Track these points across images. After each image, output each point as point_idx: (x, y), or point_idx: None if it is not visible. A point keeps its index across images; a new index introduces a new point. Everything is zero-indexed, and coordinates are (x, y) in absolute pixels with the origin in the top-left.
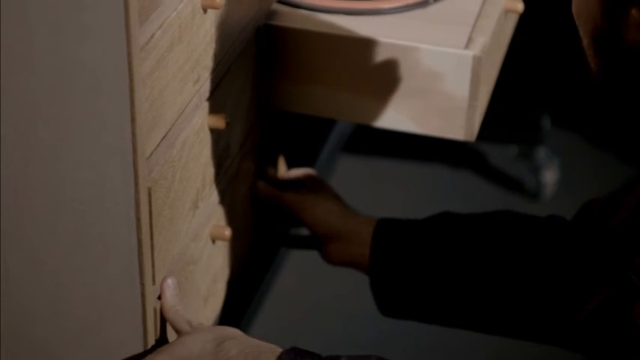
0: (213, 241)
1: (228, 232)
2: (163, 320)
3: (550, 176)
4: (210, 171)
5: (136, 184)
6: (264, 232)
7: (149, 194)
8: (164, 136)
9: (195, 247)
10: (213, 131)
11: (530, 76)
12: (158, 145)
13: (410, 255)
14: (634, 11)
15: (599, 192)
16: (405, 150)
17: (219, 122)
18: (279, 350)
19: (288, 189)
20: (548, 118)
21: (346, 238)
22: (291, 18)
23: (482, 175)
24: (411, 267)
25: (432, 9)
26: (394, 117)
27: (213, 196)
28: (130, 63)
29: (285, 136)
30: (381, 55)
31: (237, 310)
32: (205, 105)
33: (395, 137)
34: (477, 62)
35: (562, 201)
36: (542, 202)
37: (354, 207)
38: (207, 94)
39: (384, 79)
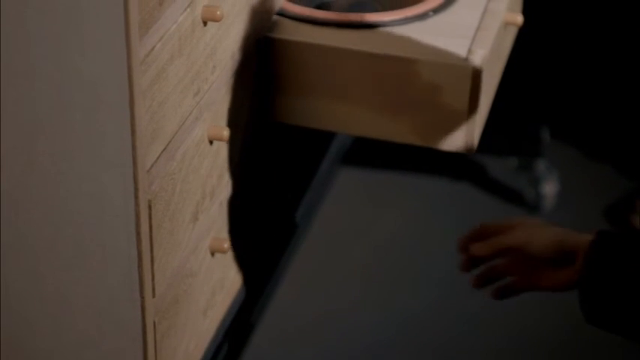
0: (212, 254)
1: (227, 244)
2: (162, 333)
3: (549, 189)
4: (210, 183)
5: (136, 196)
6: (263, 244)
7: (149, 207)
8: (164, 149)
9: (194, 259)
10: (213, 143)
11: (530, 89)
12: (158, 158)
13: (623, 267)
14: None
15: (598, 205)
16: (405, 162)
17: (220, 134)
18: None
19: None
20: (548, 130)
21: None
22: (291, 30)
23: (482, 187)
24: (623, 279)
25: (431, 21)
26: (394, 129)
27: (213, 208)
28: (130, 76)
29: (286, 148)
30: (380, 68)
31: (237, 323)
32: (205, 117)
33: (395, 149)
34: (477, 74)
35: (562, 213)
36: (541, 214)
37: (354, 218)
38: (207, 106)
39: (384, 91)
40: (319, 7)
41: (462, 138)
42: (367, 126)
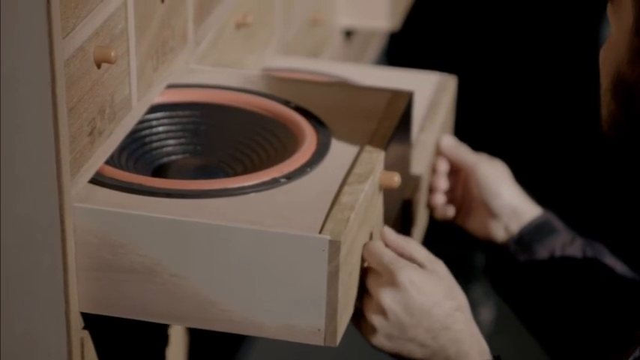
0: None
1: None
2: None
3: (486, 314)
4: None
5: (69, 334)
6: None
7: (82, 345)
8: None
9: None
10: None
11: None
12: None
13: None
14: None
15: None
16: None
17: None
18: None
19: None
20: (483, 255)
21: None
22: (121, 202)
23: None
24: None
25: (284, 189)
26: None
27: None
28: (61, 215)
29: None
30: (226, 241)
31: None
32: None
33: None
34: (335, 247)
35: (499, 339)
36: None
37: None
38: None
39: (229, 267)
40: (157, 169)
41: (320, 329)
42: None
